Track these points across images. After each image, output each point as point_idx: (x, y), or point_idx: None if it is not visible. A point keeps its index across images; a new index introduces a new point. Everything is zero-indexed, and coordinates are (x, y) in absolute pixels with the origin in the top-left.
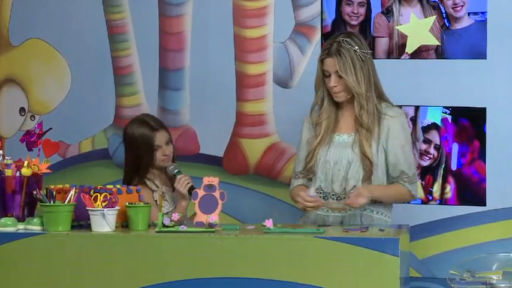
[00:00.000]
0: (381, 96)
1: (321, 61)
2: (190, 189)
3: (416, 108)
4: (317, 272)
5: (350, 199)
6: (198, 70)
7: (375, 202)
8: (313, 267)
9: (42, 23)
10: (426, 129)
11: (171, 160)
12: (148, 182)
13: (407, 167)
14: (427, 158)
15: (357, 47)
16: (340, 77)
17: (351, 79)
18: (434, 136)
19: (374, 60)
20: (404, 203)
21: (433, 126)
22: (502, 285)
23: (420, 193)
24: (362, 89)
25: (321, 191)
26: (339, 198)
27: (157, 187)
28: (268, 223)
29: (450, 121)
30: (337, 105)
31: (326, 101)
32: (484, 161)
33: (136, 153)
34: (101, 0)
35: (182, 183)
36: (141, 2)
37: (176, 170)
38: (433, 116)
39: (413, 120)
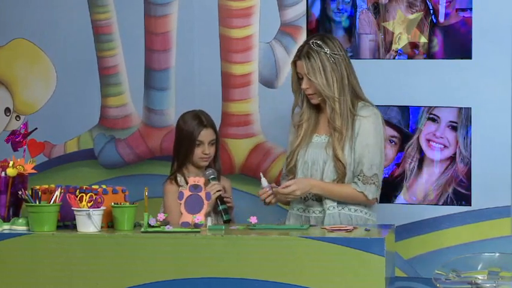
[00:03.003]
0: (358, 97)
1: (294, 63)
2: (218, 198)
3: (402, 111)
4: (302, 272)
5: (281, 187)
6: (183, 70)
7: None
8: (299, 267)
9: (28, 23)
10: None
11: (212, 163)
12: (179, 177)
13: (367, 167)
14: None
15: (327, 49)
16: (310, 79)
17: (320, 82)
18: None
19: (360, 60)
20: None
21: (417, 131)
22: (487, 285)
23: (405, 194)
24: (333, 92)
25: None
26: (318, 198)
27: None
28: (253, 219)
29: (434, 125)
30: (318, 106)
31: (305, 102)
32: (465, 164)
33: (179, 143)
34: (86, 0)
35: (213, 189)
36: (126, 2)
37: (212, 176)
38: (418, 121)
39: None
